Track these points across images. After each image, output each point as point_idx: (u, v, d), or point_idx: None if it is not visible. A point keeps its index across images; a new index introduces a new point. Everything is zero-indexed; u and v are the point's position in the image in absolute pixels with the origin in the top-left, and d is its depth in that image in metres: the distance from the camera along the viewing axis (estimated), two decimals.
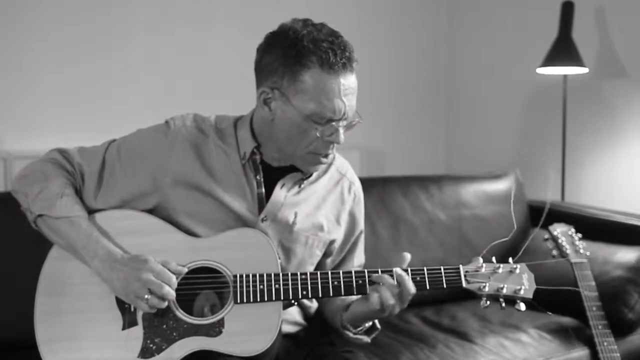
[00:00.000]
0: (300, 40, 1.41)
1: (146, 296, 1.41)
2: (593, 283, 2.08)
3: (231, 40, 3.05)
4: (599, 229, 2.45)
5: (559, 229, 2.16)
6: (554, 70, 2.80)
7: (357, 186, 1.71)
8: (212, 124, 1.59)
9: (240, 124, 1.58)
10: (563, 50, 2.71)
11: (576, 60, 2.70)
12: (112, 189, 1.55)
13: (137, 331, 1.47)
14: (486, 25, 3.40)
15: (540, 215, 2.70)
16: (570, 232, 2.16)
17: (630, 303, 2.20)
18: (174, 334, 1.46)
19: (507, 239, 1.59)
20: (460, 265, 1.51)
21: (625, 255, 2.31)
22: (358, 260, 1.75)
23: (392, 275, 1.46)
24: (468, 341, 2.13)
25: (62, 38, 2.74)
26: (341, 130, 1.46)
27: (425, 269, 1.49)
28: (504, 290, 1.49)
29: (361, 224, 1.72)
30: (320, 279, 1.47)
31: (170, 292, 1.42)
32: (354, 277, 1.48)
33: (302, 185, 1.58)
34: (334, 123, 1.44)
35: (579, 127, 2.96)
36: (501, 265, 1.53)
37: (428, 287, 1.48)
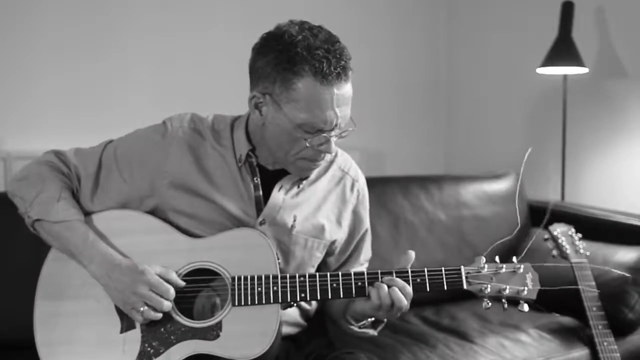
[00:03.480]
0: (294, 46, 1.36)
1: (141, 308, 1.41)
2: (593, 283, 2.08)
3: (231, 40, 3.04)
4: (599, 229, 2.45)
5: (559, 229, 2.16)
6: (554, 70, 2.80)
7: (361, 184, 1.67)
8: (210, 125, 1.57)
9: (237, 125, 1.56)
10: (563, 50, 2.71)
11: (576, 60, 2.70)
12: (109, 191, 1.54)
13: (135, 334, 1.46)
14: (486, 26, 3.40)
15: (540, 215, 2.73)
16: (570, 232, 2.16)
17: (630, 303, 2.20)
18: (172, 337, 1.45)
19: (511, 236, 1.55)
20: (462, 267, 1.47)
21: (625, 255, 2.31)
22: (364, 256, 1.72)
23: (391, 276, 1.45)
24: (468, 341, 2.13)
25: (62, 38, 2.74)
26: (333, 140, 1.43)
27: (426, 270, 1.46)
28: (507, 292, 1.46)
29: (366, 223, 1.69)
30: (319, 281, 1.45)
31: (168, 305, 1.42)
32: (353, 280, 1.45)
33: (301, 186, 1.56)
34: (325, 134, 1.41)
35: (579, 127, 2.96)
36: (504, 265, 1.49)
37: (428, 289, 1.46)
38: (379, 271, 1.46)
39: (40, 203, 1.49)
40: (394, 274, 1.45)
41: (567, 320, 2.22)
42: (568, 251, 2.12)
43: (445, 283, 1.45)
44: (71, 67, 2.76)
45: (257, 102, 1.44)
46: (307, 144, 1.42)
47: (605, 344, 2.00)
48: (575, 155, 2.98)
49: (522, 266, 1.49)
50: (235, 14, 3.06)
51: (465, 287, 1.46)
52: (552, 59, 2.73)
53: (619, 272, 2.08)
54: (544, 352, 2.11)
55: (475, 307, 2.41)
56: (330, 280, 1.45)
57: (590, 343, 2.09)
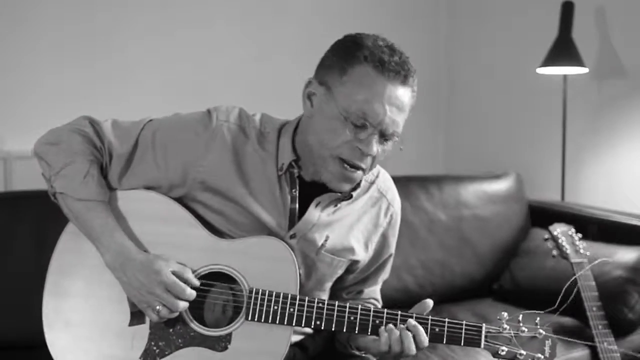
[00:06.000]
0: (364, 41, 1.38)
1: (157, 307, 1.38)
2: (593, 283, 2.08)
3: (231, 40, 3.05)
4: (599, 229, 2.45)
5: (559, 229, 2.16)
6: (554, 70, 2.80)
7: (396, 208, 1.62)
8: (257, 125, 1.50)
9: (284, 132, 1.49)
10: (563, 50, 2.71)
11: (576, 60, 2.69)
12: (139, 174, 1.48)
13: (143, 330, 1.44)
14: (486, 26, 3.40)
15: (540, 215, 2.73)
16: (570, 232, 2.16)
17: (630, 303, 2.20)
18: (180, 340, 1.43)
19: (543, 312, 1.48)
20: (483, 325, 1.42)
21: (625, 255, 2.31)
22: (382, 278, 1.69)
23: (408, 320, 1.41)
24: None
25: (62, 38, 2.74)
26: (374, 141, 1.37)
27: (446, 321, 1.41)
28: (522, 357, 1.42)
29: (392, 247, 1.65)
30: (337, 311, 1.40)
31: (183, 305, 1.39)
32: (371, 317, 1.40)
33: (339, 205, 1.51)
34: (369, 128, 1.36)
35: (579, 127, 2.96)
36: (526, 328, 1.43)
37: (445, 342, 1.41)
38: (399, 312, 1.42)
39: (66, 176, 1.43)
40: (414, 318, 1.41)
41: (567, 320, 2.22)
42: (568, 251, 2.12)
43: (463, 339, 1.40)
44: (71, 67, 2.76)
45: (311, 92, 1.41)
46: (348, 132, 1.35)
47: (605, 344, 2.00)
48: (575, 155, 2.98)
49: (544, 332, 1.44)
50: (235, 12, 3.06)
51: (482, 347, 1.41)
52: (552, 59, 2.73)
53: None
54: None
55: (476, 307, 2.42)
56: (349, 313, 1.41)
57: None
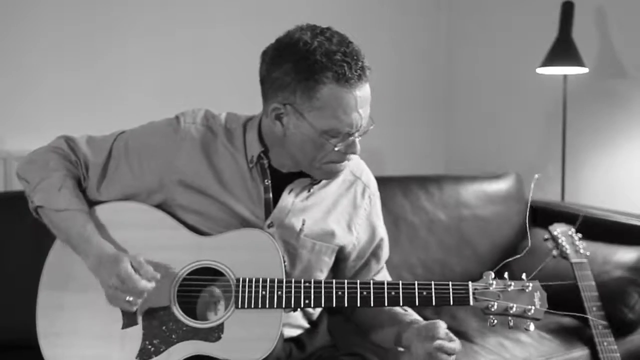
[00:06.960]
0: (312, 53, 1.35)
1: (128, 298, 1.39)
2: (593, 283, 2.08)
3: (231, 40, 3.05)
4: (599, 229, 2.45)
5: (559, 229, 2.16)
6: (554, 70, 2.80)
7: (373, 189, 1.64)
8: (222, 123, 1.54)
9: (250, 126, 1.53)
10: (563, 50, 2.71)
11: (576, 60, 2.70)
12: (116, 182, 1.53)
13: (137, 331, 1.46)
14: (486, 25, 3.40)
15: (540, 215, 2.73)
16: (570, 232, 2.16)
17: (630, 303, 2.20)
18: (173, 336, 1.45)
19: (520, 255, 1.50)
20: (470, 283, 1.45)
21: (625, 255, 2.31)
22: (383, 260, 1.70)
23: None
24: (468, 341, 2.13)
25: (62, 38, 2.74)
26: (357, 141, 1.43)
27: (432, 283, 1.44)
28: (513, 310, 1.43)
29: (381, 231, 1.66)
30: (324, 288, 1.43)
31: (134, 301, 1.39)
32: (358, 289, 1.43)
33: (312, 190, 1.54)
34: (351, 137, 1.41)
35: (579, 127, 2.96)
36: (512, 282, 1.45)
37: (434, 304, 1.44)
38: (385, 281, 1.45)
39: (42, 190, 1.48)
40: (401, 285, 1.43)
41: (567, 320, 2.22)
42: (568, 251, 2.12)
43: (451, 298, 1.43)
44: (71, 67, 2.76)
45: (278, 114, 1.41)
46: (336, 149, 1.41)
47: (605, 344, 2.00)
48: (575, 155, 2.98)
49: (531, 284, 1.45)
50: (234, 11, 3.06)
51: (471, 303, 1.44)
52: (552, 59, 2.73)
53: None
54: (544, 352, 2.11)
55: (475, 307, 2.41)
56: (336, 289, 1.44)
57: (590, 343, 2.09)
